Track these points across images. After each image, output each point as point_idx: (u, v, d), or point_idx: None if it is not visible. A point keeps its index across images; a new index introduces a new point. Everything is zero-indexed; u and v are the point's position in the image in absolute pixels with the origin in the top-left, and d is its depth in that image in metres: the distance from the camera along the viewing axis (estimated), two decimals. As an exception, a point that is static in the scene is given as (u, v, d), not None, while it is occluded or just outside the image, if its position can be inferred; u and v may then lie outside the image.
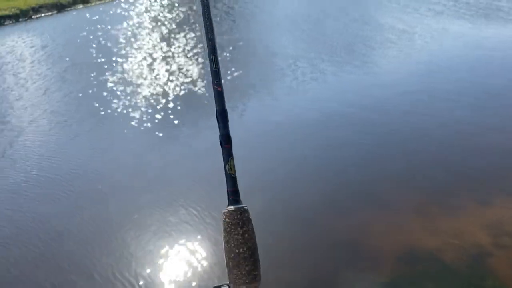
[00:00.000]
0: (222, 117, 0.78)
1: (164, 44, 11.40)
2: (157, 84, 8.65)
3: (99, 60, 10.49)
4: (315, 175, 5.19)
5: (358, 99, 7.11)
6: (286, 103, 7.30)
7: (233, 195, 0.72)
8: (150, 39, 12.18)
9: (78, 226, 4.71)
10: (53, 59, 11.26)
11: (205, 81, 8.40)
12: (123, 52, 11.07)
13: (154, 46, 11.41)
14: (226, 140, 0.76)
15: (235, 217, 0.71)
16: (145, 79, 9.06)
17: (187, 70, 9.14)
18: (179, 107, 7.46)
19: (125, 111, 7.52)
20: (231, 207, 0.71)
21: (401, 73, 8.02)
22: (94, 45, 11.86)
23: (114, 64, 10.10)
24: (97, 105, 7.88)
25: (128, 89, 8.54)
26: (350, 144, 5.78)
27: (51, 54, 11.76)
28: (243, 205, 0.72)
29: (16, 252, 4.40)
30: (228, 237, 0.70)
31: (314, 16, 13.00)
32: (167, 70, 9.36)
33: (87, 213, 4.90)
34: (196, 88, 8.15)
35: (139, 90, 8.50)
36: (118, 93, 8.38)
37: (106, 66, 9.99)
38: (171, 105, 7.56)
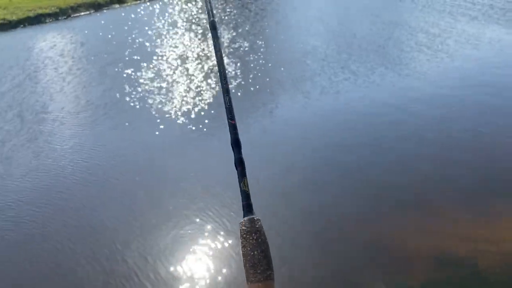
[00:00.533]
0: (236, 145, 0.93)
1: (197, 44, 11.67)
2: (190, 82, 8.88)
3: (134, 57, 10.83)
4: (345, 177, 5.19)
5: (390, 102, 7.12)
6: (317, 103, 7.38)
7: (248, 208, 0.86)
8: (183, 38, 12.47)
9: (107, 216, 4.95)
10: (92, 55, 11.69)
11: (238, 81, 8.58)
12: (157, 50, 11.40)
13: (187, 45, 11.69)
14: (240, 164, 0.90)
15: (250, 226, 0.83)
16: (178, 76, 9.31)
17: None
18: (212, 104, 7.66)
19: (160, 106, 7.78)
20: (246, 218, 0.85)
21: (434, 77, 8.00)
22: (130, 43, 12.24)
23: (149, 62, 10.41)
24: (133, 100, 8.17)
25: (162, 85, 8.82)
26: (381, 146, 5.79)
27: (90, 50, 12.20)
28: (256, 216, 0.85)
29: (72, 228, 4.68)
30: (245, 242, 0.82)
31: (346, 18, 13.05)
32: (199, 69, 9.59)
33: (116, 205, 5.12)
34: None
35: (172, 86, 8.76)
36: (153, 89, 8.66)
37: (142, 64, 10.31)
38: (204, 102, 7.77)
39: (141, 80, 9.19)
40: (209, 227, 4.54)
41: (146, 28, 14.14)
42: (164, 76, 9.40)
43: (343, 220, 4.47)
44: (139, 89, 8.68)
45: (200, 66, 9.81)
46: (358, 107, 7.02)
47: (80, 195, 5.37)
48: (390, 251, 4.01)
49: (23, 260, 4.38)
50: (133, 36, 13.15)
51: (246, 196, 0.87)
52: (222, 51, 1.03)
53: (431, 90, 7.35)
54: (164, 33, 13.31)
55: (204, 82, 8.74)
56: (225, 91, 0.99)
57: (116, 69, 10.12)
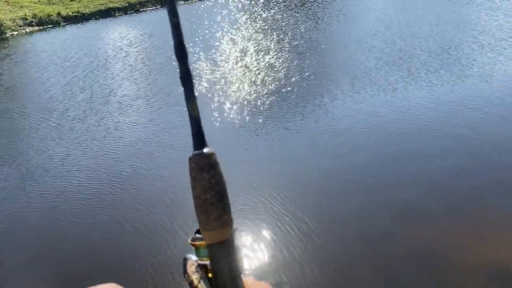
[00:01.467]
0: (181, 51, 0.69)
1: (261, 41, 11.83)
2: (253, 79, 9.03)
3: (200, 53, 11.17)
4: (394, 183, 5.02)
5: (451, 112, 6.79)
6: (370, 108, 7.16)
7: (198, 139, 0.66)
8: (247, 36, 12.69)
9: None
10: (158, 46, 12.18)
11: (296, 79, 8.62)
12: (221, 45, 11.69)
13: (251, 42, 11.88)
14: (186, 78, 0.67)
15: (201, 162, 0.66)
16: (241, 72, 9.50)
17: (280, 69, 9.43)
18: (280, 102, 7.75)
19: (218, 96, 7.99)
20: (197, 152, 0.66)
21: (499, 85, 7.59)
22: (195, 38, 12.63)
23: (212, 56, 10.70)
24: (202, 91, 8.44)
25: (218, 77, 9.03)
26: (436, 155, 5.56)
27: (157, 41, 12.73)
28: (209, 149, 0.66)
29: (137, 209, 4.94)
30: (195, 183, 0.66)
31: (407, 20, 12.73)
32: (263, 66, 9.72)
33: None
34: (289, 88, 8.39)
35: (235, 82, 8.95)
36: (211, 79, 8.90)
37: (206, 58, 10.62)
38: (273, 100, 7.88)
39: (201, 71, 9.46)
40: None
41: (209, 22, 14.52)
42: (223, 68, 9.62)
43: (386, 227, 4.35)
44: (205, 84, 8.93)
45: (263, 63, 9.95)
46: (413, 115, 6.74)
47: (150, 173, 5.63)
48: (440, 259, 3.86)
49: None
50: (197, 31, 13.55)
51: (195, 123, 0.67)
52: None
53: (495, 102, 6.93)
54: (228, 29, 13.61)
55: (269, 78, 8.85)
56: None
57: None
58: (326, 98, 7.47)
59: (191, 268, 0.91)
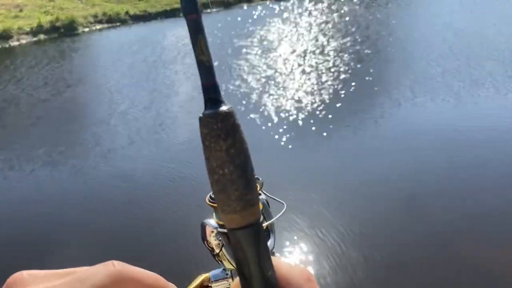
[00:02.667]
0: None
1: (320, 47, 11.77)
2: (308, 83, 9.00)
3: (259, 53, 11.28)
4: (451, 196, 4.82)
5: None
6: (434, 115, 6.92)
7: (211, 92, 0.44)
8: (307, 39, 12.66)
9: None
10: (220, 46, 12.45)
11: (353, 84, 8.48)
12: (277, 47, 11.75)
13: (311, 46, 11.84)
14: (191, 8, 0.44)
15: (216, 126, 0.45)
16: (290, 75, 9.49)
17: (339, 74, 9.33)
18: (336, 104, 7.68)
19: (265, 100, 8.01)
20: (209, 111, 0.44)
21: None
22: (253, 41, 12.78)
23: (264, 55, 10.78)
24: (261, 91, 8.53)
25: (263, 79, 9.06)
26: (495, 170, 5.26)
27: (219, 42, 13.01)
28: (227, 106, 0.45)
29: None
30: (209, 153, 0.46)
31: (476, 26, 12.15)
32: (321, 68, 9.66)
33: None
34: (347, 93, 8.28)
35: (282, 83, 8.95)
36: (265, 79, 8.95)
37: (265, 57, 10.72)
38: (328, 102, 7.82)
39: (254, 69, 9.56)
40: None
41: (271, 24, 14.64)
42: (271, 71, 9.65)
43: (440, 241, 4.16)
44: (258, 80, 9.02)
45: (319, 66, 9.89)
46: (476, 126, 6.44)
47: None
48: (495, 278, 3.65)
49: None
50: (258, 32, 13.71)
51: (207, 71, 0.43)
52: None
53: None
54: (288, 31, 13.66)
55: (327, 83, 8.79)
56: None
57: (237, 60, 10.65)
58: (386, 103, 7.31)
59: (211, 236, 0.84)
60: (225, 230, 0.58)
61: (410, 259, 3.94)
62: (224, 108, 0.44)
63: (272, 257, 0.48)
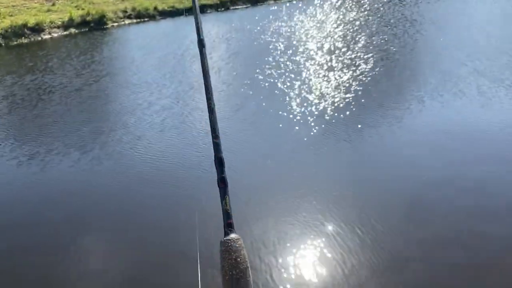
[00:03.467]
0: (220, 164, 0.93)
1: (347, 44, 11.67)
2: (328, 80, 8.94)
3: (288, 51, 11.27)
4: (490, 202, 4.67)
5: None
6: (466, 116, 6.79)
7: (229, 227, 0.86)
8: (334, 37, 12.57)
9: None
10: (245, 42, 12.49)
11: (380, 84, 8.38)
12: (305, 43, 11.70)
13: (338, 44, 11.76)
14: (222, 183, 0.90)
15: (230, 245, 0.82)
16: (315, 72, 9.44)
17: (363, 72, 9.23)
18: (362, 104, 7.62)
19: (283, 92, 7.99)
20: (227, 238, 0.84)
21: None
22: (279, 38, 12.77)
23: (291, 52, 10.74)
24: (289, 87, 8.52)
25: (289, 79, 9.03)
26: None
27: (245, 37, 13.05)
28: (236, 235, 0.84)
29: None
30: (223, 262, 0.81)
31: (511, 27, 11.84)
32: (345, 67, 9.59)
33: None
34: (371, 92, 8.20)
35: (303, 84, 8.91)
36: (283, 73, 8.93)
37: (293, 55, 10.70)
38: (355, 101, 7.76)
39: (289, 68, 9.54)
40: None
41: (299, 22, 14.59)
42: (298, 69, 9.62)
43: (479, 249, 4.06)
44: (288, 76, 9.01)
45: (345, 61, 9.81)
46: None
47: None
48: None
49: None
50: (282, 30, 13.68)
51: (227, 215, 0.87)
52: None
53: None
54: (314, 29, 13.60)
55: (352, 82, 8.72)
56: (210, 110, 1.01)
57: (266, 55, 10.67)
58: (413, 102, 7.22)
59: None
60: None
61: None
62: (234, 235, 0.84)
63: None
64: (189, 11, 16.66)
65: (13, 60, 13.35)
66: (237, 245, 0.83)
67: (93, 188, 5.41)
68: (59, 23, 17.82)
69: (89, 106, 8.54)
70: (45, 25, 17.47)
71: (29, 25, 17.03)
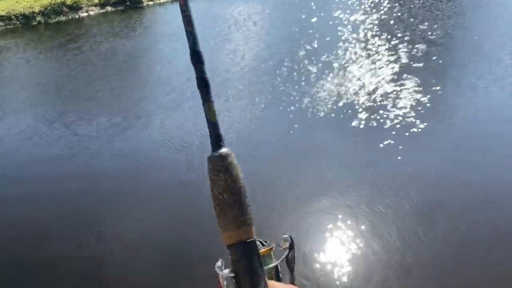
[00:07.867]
0: (199, 60, 0.73)
1: (387, 37, 11.51)
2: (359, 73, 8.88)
3: (322, 42, 11.22)
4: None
5: None
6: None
7: (215, 140, 0.68)
8: (374, 29, 12.40)
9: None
10: (271, 22, 12.50)
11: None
12: (342, 35, 11.63)
13: (377, 36, 11.61)
14: (202, 82, 0.71)
15: (218, 163, 0.68)
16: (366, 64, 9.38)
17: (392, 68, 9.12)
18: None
19: (311, 82, 8.01)
20: (214, 153, 0.68)
21: None
22: (313, 30, 12.70)
23: (336, 45, 10.69)
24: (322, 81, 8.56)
25: (322, 64, 9.02)
26: None
27: (271, 18, 13.04)
28: (226, 150, 0.68)
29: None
30: (213, 184, 0.68)
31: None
32: (384, 60, 9.49)
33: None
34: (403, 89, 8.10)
35: (335, 70, 8.87)
36: (315, 61, 8.93)
37: (329, 47, 10.66)
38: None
39: (320, 60, 9.54)
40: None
41: (329, 8, 14.45)
42: (330, 57, 9.58)
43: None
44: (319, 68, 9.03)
45: (385, 53, 9.72)
46: None
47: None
48: None
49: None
50: (316, 13, 13.58)
51: (213, 126, 0.69)
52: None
53: None
54: (354, 18, 13.45)
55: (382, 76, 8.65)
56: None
57: (294, 34, 10.67)
58: (452, 95, 7.14)
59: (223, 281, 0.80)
60: (233, 274, 0.67)
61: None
62: (224, 150, 0.68)
63: (268, 281, 0.65)
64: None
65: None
66: (227, 163, 0.67)
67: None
68: (96, 1, 18.27)
69: (124, 82, 8.83)
70: (82, 3, 17.95)
71: (67, 3, 17.55)
